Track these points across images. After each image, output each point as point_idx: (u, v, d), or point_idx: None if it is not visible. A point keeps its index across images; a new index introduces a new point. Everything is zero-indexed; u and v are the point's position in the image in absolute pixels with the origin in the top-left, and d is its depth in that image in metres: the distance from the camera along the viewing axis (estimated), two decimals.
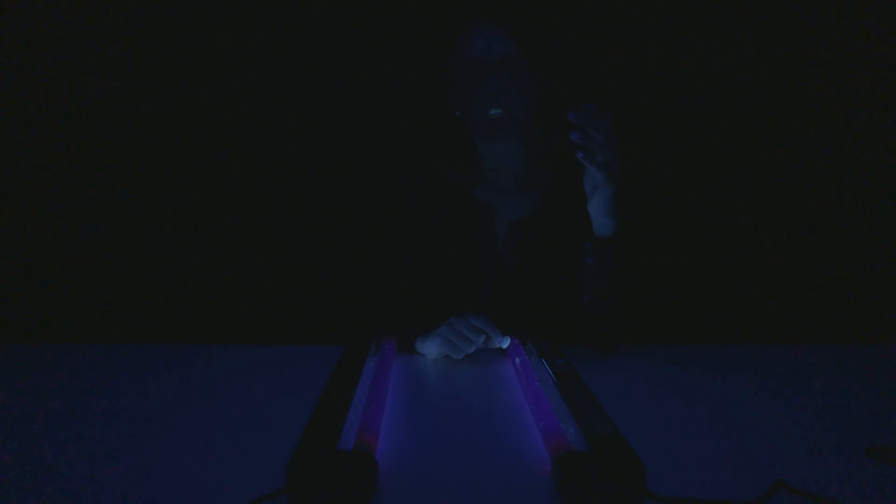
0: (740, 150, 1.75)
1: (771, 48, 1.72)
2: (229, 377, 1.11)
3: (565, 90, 1.45)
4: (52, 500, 0.67)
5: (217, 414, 0.91)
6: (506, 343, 1.16)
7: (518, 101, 1.29)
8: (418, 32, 1.70)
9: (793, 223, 1.76)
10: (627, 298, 1.23)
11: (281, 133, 1.75)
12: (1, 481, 0.70)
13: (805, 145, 1.74)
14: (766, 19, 1.71)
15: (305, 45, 1.73)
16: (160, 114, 1.74)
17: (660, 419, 0.89)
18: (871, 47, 1.71)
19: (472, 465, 0.74)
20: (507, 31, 1.29)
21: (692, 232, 1.76)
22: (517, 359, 1.08)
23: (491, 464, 0.74)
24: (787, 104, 1.74)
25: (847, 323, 1.75)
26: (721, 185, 1.75)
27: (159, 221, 1.76)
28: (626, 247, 1.19)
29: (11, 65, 1.71)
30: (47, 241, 1.75)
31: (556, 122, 1.28)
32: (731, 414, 0.92)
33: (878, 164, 1.74)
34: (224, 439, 0.82)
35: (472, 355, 1.16)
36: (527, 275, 1.33)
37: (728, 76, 1.73)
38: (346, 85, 1.74)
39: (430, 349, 1.17)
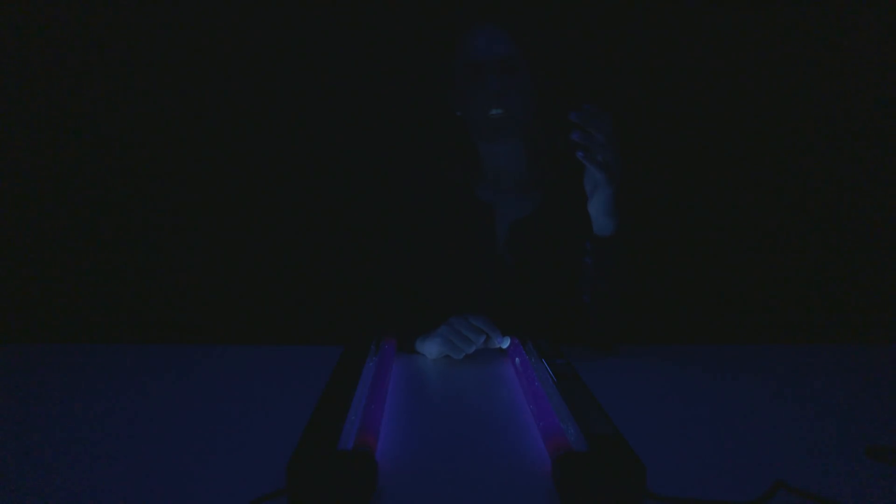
0: (740, 150, 1.75)
1: (771, 48, 1.72)
2: (229, 377, 1.11)
3: (565, 90, 1.45)
4: (52, 500, 0.67)
5: (217, 414, 0.91)
6: (506, 343, 1.16)
7: (518, 102, 1.29)
8: (419, 33, 1.70)
9: (793, 223, 1.76)
10: (627, 298, 1.23)
11: (281, 133, 1.75)
12: (1, 481, 0.70)
13: (805, 145, 1.74)
14: (766, 19, 1.71)
15: (306, 45, 1.73)
16: (160, 114, 1.74)
17: (660, 419, 0.89)
18: (871, 47, 1.71)
19: (472, 465, 0.74)
20: (508, 32, 1.29)
21: (692, 232, 1.76)
22: (517, 359, 1.08)
23: (491, 464, 0.74)
24: (786, 104, 1.74)
25: (847, 323, 1.75)
26: (721, 185, 1.75)
27: (159, 221, 1.76)
28: (626, 247, 1.19)
29: (11, 65, 1.71)
30: (47, 241, 1.75)
31: (557, 122, 1.28)
32: (731, 414, 0.92)
33: (878, 164, 1.74)
34: (224, 439, 0.82)
35: (472, 355, 1.16)
36: (527, 275, 1.33)
37: (728, 76, 1.73)
38: (347, 85, 1.74)
39: (431, 349, 1.17)
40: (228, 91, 1.74)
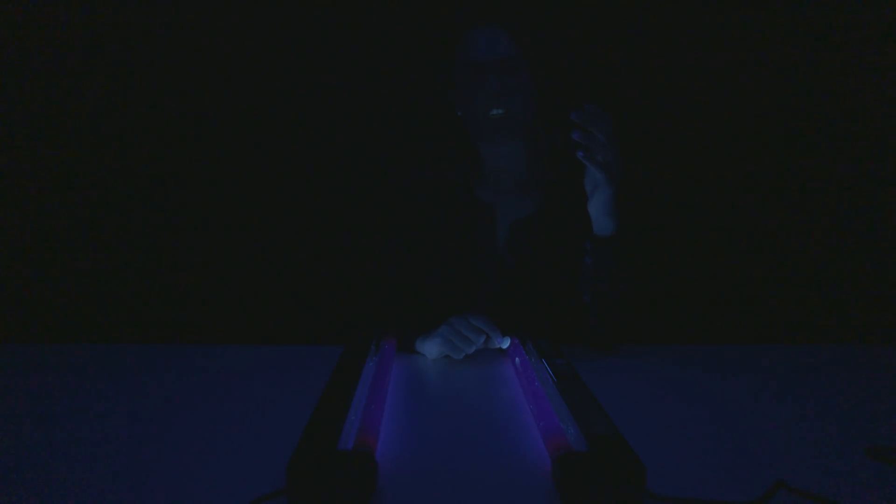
0: (740, 150, 1.75)
1: (772, 48, 1.72)
2: (229, 377, 1.11)
3: (566, 90, 1.46)
4: (52, 500, 0.67)
5: (217, 414, 0.91)
6: (506, 343, 1.16)
7: (519, 102, 1.29)
8: (419, 33, 1.70)
9: (793, 223, 1.76)
10: (627, 298, 1.23)
11: (282, 133, 1.75)
12: (1, 481, 0.70)
13: (805, 145, 1.74)
14: (766, 19, 1.71)
15: (306, 45, 1.73)
16: (160, 114, 1.74)
17: (660, 419, 0.89)
18: (872, 47, 1.71)
19: (472, 465, 0.74)
20: (508, 32, 1.29)
21: (692, 232, 1.76)
22: (517, 359, 1.08)
23: (491, 464, 0.74)
24: (786, 104, 1.74)
25: (847, 323, 1.75)
26: (721, 184, 1.75)
27: (159, 221, 1.76)
28: (626, 247, 1.19)
29: (11, 65, 1.71)
30: (47, 240, 1.75)
31: (557, 122, 1.28)
32: (731, 414, 0.92)
33: (878, 164, 1.74)
34: (224, 439, 0.82)
35: (472, 355, 1.16)
36: (527, 275, 1.33)
37: (728, 76, 1.73)
38: (347, 85, 1.74)
39: (431, 349, 1.17)
40: (228, 91, 1.74)
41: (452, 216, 1.37)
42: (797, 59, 1.72)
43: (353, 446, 0.70)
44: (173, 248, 1.76)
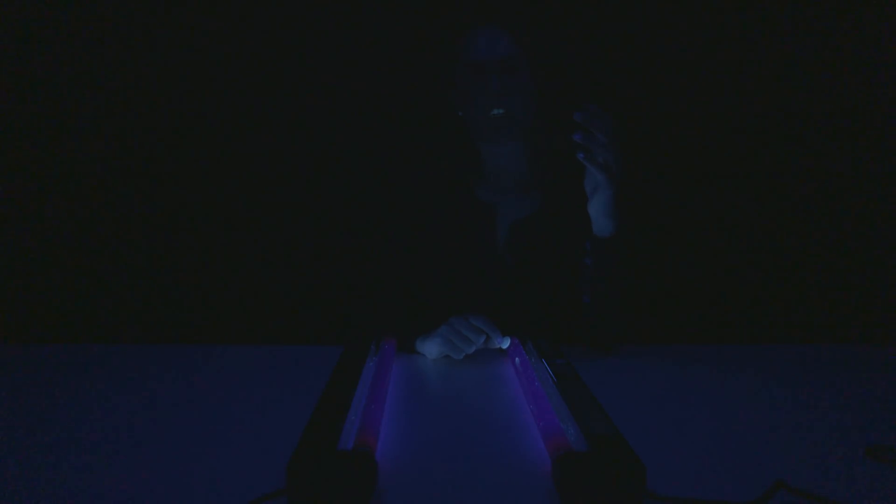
0: (740, 149, 1.75)
1: (774, 48, 1.72)
2: (229, 377, 1.11)
3: (566, 90, 1.46)
4: (52, 500, 0.67)
5: (217, 414, 0.91)
6: (506, 343, 1.16)
7: (519, 102, 1.29)
8: (420, 33, 1.70)
9: (793, 223, 1.76)
10: (627, 299, 1.23)
11: (282, 133, 1.75)
12: (1, 481, 0.70)
13: (805, 145, 1.74)
14: (767, 19, 1.71)
15: (306, 45, 1.73)
16: (161, 114, 1.74)
17: (660, 419, 0.89)
18: (873, 46, 1.71)
19: (472, 465, 0.74)
20: (509, 32, 1.29)
21: (692, 232, 1.76)
22: (517, 359, 1.08)
23: (491, 464, 0.74)
24: (787, 104, 1.74)
25: (847, 323, 1.75)
26: (721, 184, 1.75)
27: (159, 221, 1.76)
28: (626, 247, 1.19)
29: (11, 64, 1.71)
30: (47, 240, 1.75)
31: (558, 123, 1.28)
32: (731, 414, 0.92)
33: (878, 163, 1.74)
34: (224, 439, 0.82)
35: (472, 355, 1.16)
36: (527, 275, 1.33)
37: (729, 76, 1.73)
38: (348, 85, 1.74)
39: (431, 349, 1.17)
40: (228, 91, 1.74)
41: (453, 216, 1.37)
42: (798, 60, 1.72)
43: (353, 446, 0.70)
44: (173, 248, 1.76)
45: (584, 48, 1.71)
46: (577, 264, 1.21)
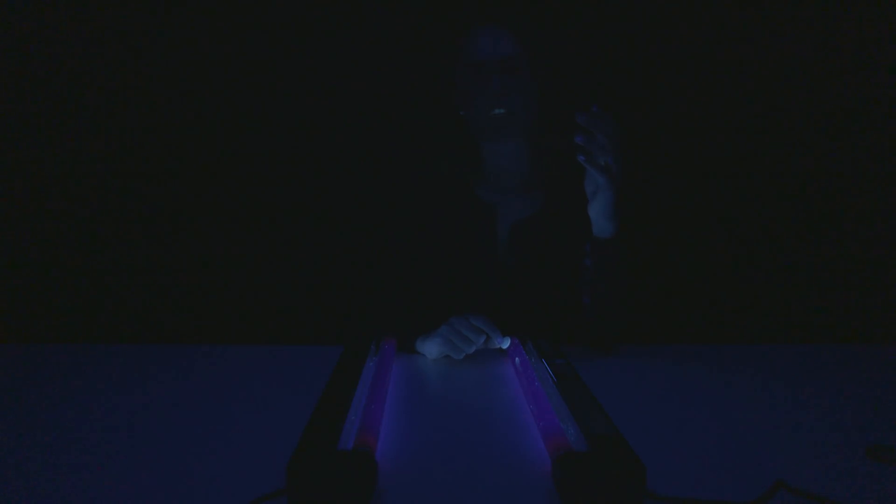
0: (741, 150, 1.75)
1: (775, 48, 1.72)
2: (229, 377, 1.11)
3: (568, 90, 1.46)
4: (52, 500, 0.67)
5: (217, 414, 0.91)
6: (506, 343, 1.16)
7: (521, 102, 1.29)
8: (421, 32, 1.70)
9: (793, 223, 1.76)
10: (627, 300, 1.23)
11: (282, 133, 1.75)
12: (1, 481, 0.70)
13: (805, 145, 1.74)
14: (769, 19, 1.71)
15: (307, 44, 1.73)
16: (161, 113, 1.74)
17: (660, 419, 0.89)
18: (873, 46, 1.71)
19: (472, 465, 0.74)
20: (511, 32, 1.29)
21: (692, 232, 1.76)
22: (517, 359, 1.08)
23: (491, 464, 0.74)
24: (787, 104, 1.73)
25: (847, 323, 1.75)
26: (721, 184, 1.75)
27: (160, 221, 1.76)
28: (626, 249, 1.19)
29: (11, 64, 1.71)
30: (47, 240, 1.75)
31: (560, 123, 1.28)
32: (731, 414, 0.92)
33: (878, 163, 1.74)
34: (224, 439, 0.82)
35: (472, 355, 1.16)
36: (528, 276, 1.33)
37: (730, 76, 1.73)
38: (349, 84, 1.74)
39: (431, 349, 1.17)
40: (228, 90, 1.74)
41: (453, 216, 1.36)
42: (798, 60, 1.72)
43: (353, 446, 0.70)
44: (173, 248, 1.76)
45: (585, 48, 1.71)
46: (578, 265, 1.21)
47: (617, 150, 1.08)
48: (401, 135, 1.73)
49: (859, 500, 0.66)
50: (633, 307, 1.27)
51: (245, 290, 1.77)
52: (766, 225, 1.76)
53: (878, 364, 1.20)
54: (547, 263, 1.32)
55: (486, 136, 1.33)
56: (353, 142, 1.75)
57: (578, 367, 1.01)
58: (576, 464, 0.66)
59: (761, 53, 1.72)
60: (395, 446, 0.78)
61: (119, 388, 1.04)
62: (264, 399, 0.99)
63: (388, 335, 1.21)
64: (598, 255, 1.18)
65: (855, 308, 1.76)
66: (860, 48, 1.71)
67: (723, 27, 1.71)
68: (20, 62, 1.71)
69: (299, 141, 1.75)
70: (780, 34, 1.71)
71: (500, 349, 1.17)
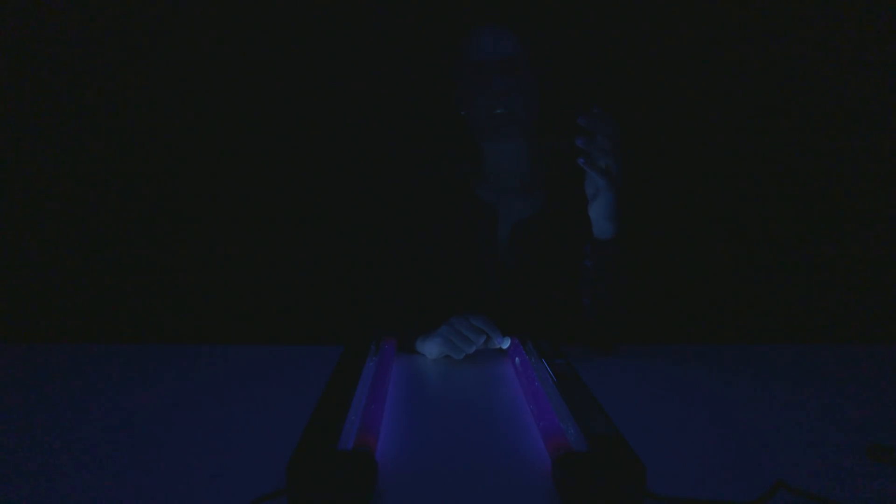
0: (741, 150, 1.75)
1: (775, 48, 1.72)
2: (229, 377, 1.11)
3: (569, 91, 1.46)
4: (52, 500, 0.67)
5: (217, 414, 0.91)
6: (506, 343, 1.16)
7: (522, 102, 1.29)
8: (422, 32, 1.70)
9: (793, 223, 1.76)
10: (627, 302, 1.23)
11: (283, 133, 1.75)
12: (1, 481, 0.70)
13: (805, 145, 1.74)
14: (770, 20, 1.71)
15: (308, 44, 1.73)
16: (161, 113, 1.74)
17: (660, 419, 0.89)
18: (873, 46, 1.71)
19: (472, 465, 0.74)
20: (512, 32, 1.29)
21: (692, 232, 1.76)
22: (517, 359, 1.08)
23: (491, 464, 0.74)
24: (788, 104, 1.74)
25: (847, 323, 1.75)
26: (721, 184, 1.75)
27: (159, 221, 1.76)
28: (627, 250, 1.19)
29: (11, 64, 1.71)
30: (47, 240, 1.75)
31: (561, 123, 1.28)
32: (731, 414, 0.92)
33: (878, 163, 1.74)
34: (224, 439, 0.82)
35: (472, 355, 1.16)
36: (528, 276, 1.33)
37: (730, 76, 1.73)
38: (350, 84, 1.74)
39: (431, 349, 1.16)
40: (228, 90, 1.74)
41: (454, 216, 1.36)
42: (798, 60, 1.72)
43: (353, 446, 0.70)
44: (174, 248, 1.76)
45: (585, 48, 1.71)
46: (578, 266, 1.21)
47: (617, 152, 1.08)
48: (401, 135, 1.73)
49: (859, 500, 0.66)
50: (633, 308, 1.27)
51: (245, 290, 1.77)
52: (766, 225, 1.76)
53: (878, 364, 1.20)
54: (547, 263, 1.32)
55: (487, 136, 1.33)
56: (353, 142, 1.75)
57: (578, 367, 1.01)
58: (576, 464, 0.66)
59: (761, 53, 1.72)
60: (395, 446, 0.78)
61: (119, 388, 1.04)
62: (264, 399, 0.99)
63: (388, 335, 1.21)
64: (599, 255, 1.18)
65: (855, 308, 1.76)
66: (860, 48, 1.71)
67: (723, 27, 1.71)
68: (20, 62, 1.71)
69: (299, 141, 1.75)
70: (780, 34, 1.72)
71: (500, 349, 1.17)
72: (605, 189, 1.11)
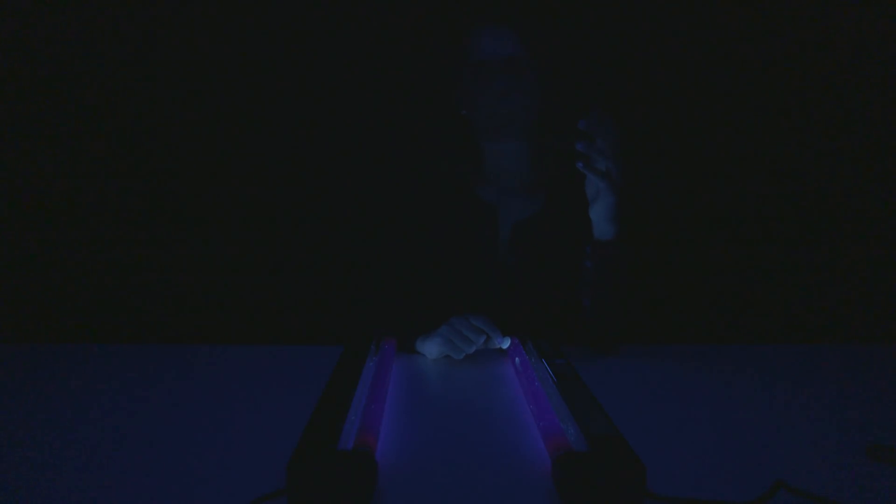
0: (741, 150, 1.75)
1: (775, 49, 1.72)
2: (229, 377, 1.11)
3: (571, 91, 1.46)
4: (52, 500, 0.67)
5: (217, 414, 0.91)
6: (506, 343, 1.16)
7: (523, 102, 1.29)
8: (424, 31, 1.70)
9: (793, 223, 1.76)
10: (628, 302, 1.23)
11: (283, 132, 1.75)
12: (1, 481, 0.70)
13: (805, 145, 1.74)
14: (771, 20, 1.71)
15: (308, 43, 1.73)
16: (161, 113, 1.74)
17: (660, 419, 0.89)
18: (874, 46, 1.71)
19: (472, 465, 0.74)
20: (514, 32, 1.29)
21: (692, 232, 1.76)
22: (517, 359, 1.08)
23: (491, 464, 0.74)
24: (788, 104, 1.74)
25: (847, 323, 1.75)
26: (721, 184, 1.75)
27: (159, 221, 1.76)
28: (627, 251, 1.19)
29: (12, 64, 1.71)
30: (47, 241, 1.75)
31: (562, 124, 1.28)
32: (731, 414, 0.92)
33: (878, 163, 1.74)
34: (224, 439, 0.82)
35: (472, 355, 1.16)
36: (529, 276, 1.33)
37: (730, 76, 1.73)
38: (351, 84, 1.74)
39: (431, 349, 1.16)
40: (228, 90, 1.74)
41: (455, 216, 1.36)
42: (798, 60, 1.72)
43: (353, 446, 0.70)
44: (174, 248, 1.76)
45: (587, 48, 1.71)
46: (579, 267, 1.21)
47: (617, 154, 1.07)
48: (402, 135, 1.73)
49: (859, 500, 0.66)
50: (633, 309, 1.27)
51: (245, 290, 1.77)
52: (766, 225, 1.76)
53: (878, 364, 1.20)
54: (547, 264, 1.32)
55: (488, 135, 1.33)
56: (353, 142, 1.75)
57: (578, 367, 1.01)
58: (576, 464, 0.66)
59: (761, 53, 1.72)
60: (395, 446, 0.78)
61: (119, 388, 1.03)
62: (264, 399, 0.99)
63: (388, 335, 1.21)
64: (599, 256, 1.18)
65: (855, 308, 1.76)
66: (860, 48, 1.71)
67: (723, 27, 1.71)
68: (20, 62, 1.71)
69: (299, 141, 1.75)
70: (780, 34, 1.71)
71: (500, 349, 1.17)
72: (605, 191, 1.11)
